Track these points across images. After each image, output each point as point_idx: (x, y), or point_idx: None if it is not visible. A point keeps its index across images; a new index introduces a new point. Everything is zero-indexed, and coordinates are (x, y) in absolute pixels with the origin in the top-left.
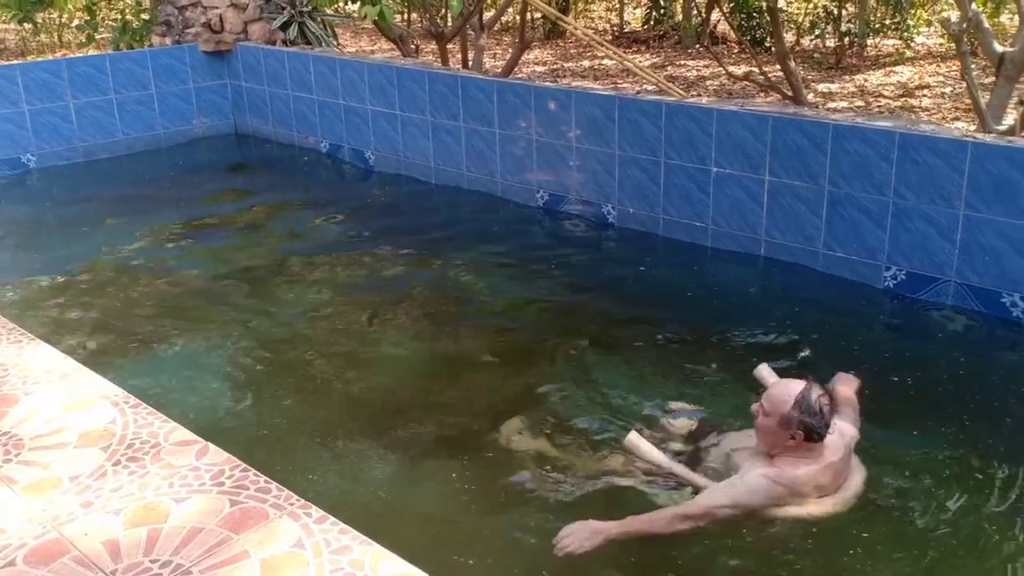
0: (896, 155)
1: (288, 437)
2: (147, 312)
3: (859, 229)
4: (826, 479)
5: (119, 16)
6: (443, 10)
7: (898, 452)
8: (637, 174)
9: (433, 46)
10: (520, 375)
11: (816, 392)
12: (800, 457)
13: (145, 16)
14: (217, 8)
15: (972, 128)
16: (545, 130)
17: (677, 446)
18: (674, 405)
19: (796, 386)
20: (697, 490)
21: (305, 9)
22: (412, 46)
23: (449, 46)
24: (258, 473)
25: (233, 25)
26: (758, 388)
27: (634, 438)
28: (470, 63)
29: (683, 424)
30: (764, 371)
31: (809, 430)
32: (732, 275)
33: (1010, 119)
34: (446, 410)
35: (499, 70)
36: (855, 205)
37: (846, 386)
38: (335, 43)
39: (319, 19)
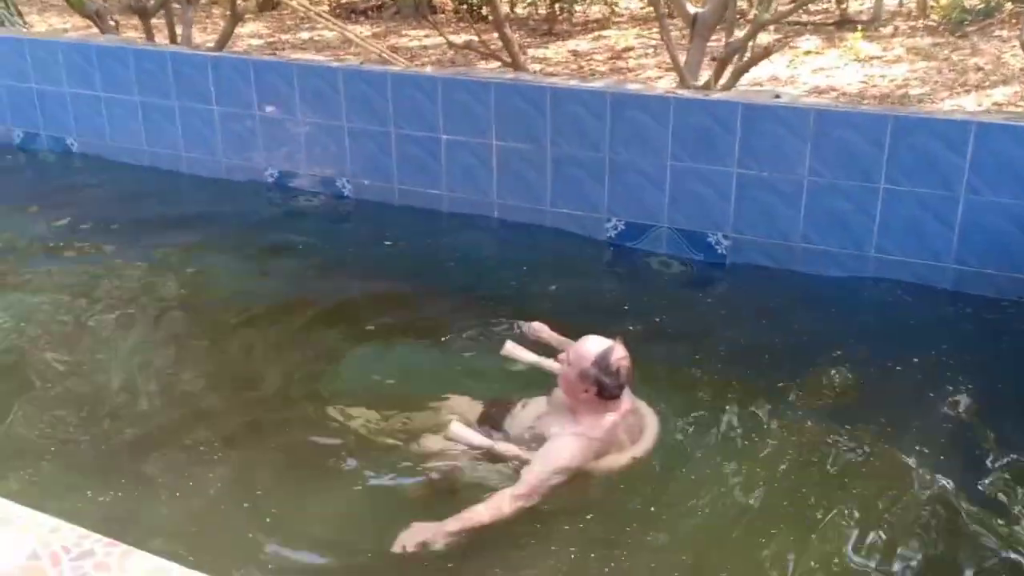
0: (609, 114)
1: (13, 449)
2: None
3: (581, 186)
4: (629, 424)
5: None
6: None
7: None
8: (369, 145)
9: (136, 22)
10: (273, 367)
11: (618, 354)
12: (599, 411)
13: None
14: None
15: (673, 85)
16: (269, 105)
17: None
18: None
19: (601, 344)
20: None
21: None
22: (111, 22)
23: (154, 21)
24: None
25: None
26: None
27: (457, 428)
28: (179, 39)
29: (470, 406)
30: (511, 348)
31: (602, 387)
32: (471, 241)
33: (705, 75)
34: (188, 408)
35: (211, 45)
36: (575, 163)
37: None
38: (20, 22)
39: None
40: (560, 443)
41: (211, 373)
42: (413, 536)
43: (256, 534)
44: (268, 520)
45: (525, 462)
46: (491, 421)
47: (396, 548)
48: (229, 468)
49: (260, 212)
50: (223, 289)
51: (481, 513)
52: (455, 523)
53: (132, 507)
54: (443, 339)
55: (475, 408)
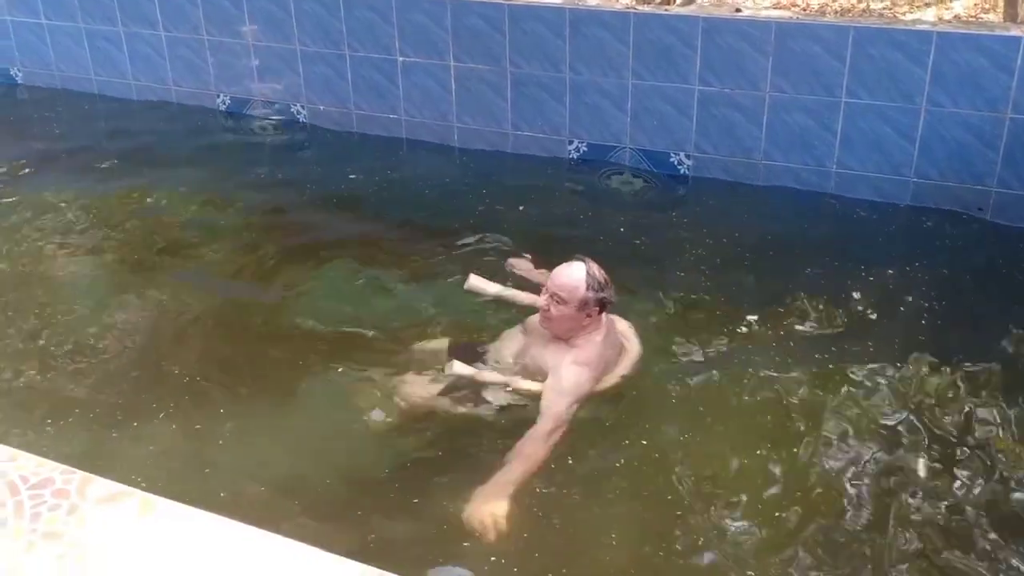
0: (568, 32)
1: None
2: None
3: (542, 107)
4: (618, 341)
5: None
6: None
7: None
8: (323, 69)
9: None
10: (235, 300)
11: (593, 266)
12: (591, 333)
13: None
14: None
15: (633, 0)
16: (217, 29)
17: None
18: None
19: (577, 269)
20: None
21: None
22: None
23: None
24: None
25: None
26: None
27: (458, 366)
28: None
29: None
30: (475, 281)
31: (603, 302)
32: (433, 167)
33: None
34: (148, 340)
35: None
36: (536, 84)
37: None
38: None
39: None
40: (568, 374)
41: (171, 306)
42: (489, 514)
43: (219, 464)
44: (231, 450)
45: (532, 394)
46: (471, 355)
47: (487, 536)
48: (192, 400)
49: (214, 142)
50: (181, 221)
51: (528, 459)
52: (510, 480)
53: (92, 437)
54: (412, 269)
55: (446, 343)
